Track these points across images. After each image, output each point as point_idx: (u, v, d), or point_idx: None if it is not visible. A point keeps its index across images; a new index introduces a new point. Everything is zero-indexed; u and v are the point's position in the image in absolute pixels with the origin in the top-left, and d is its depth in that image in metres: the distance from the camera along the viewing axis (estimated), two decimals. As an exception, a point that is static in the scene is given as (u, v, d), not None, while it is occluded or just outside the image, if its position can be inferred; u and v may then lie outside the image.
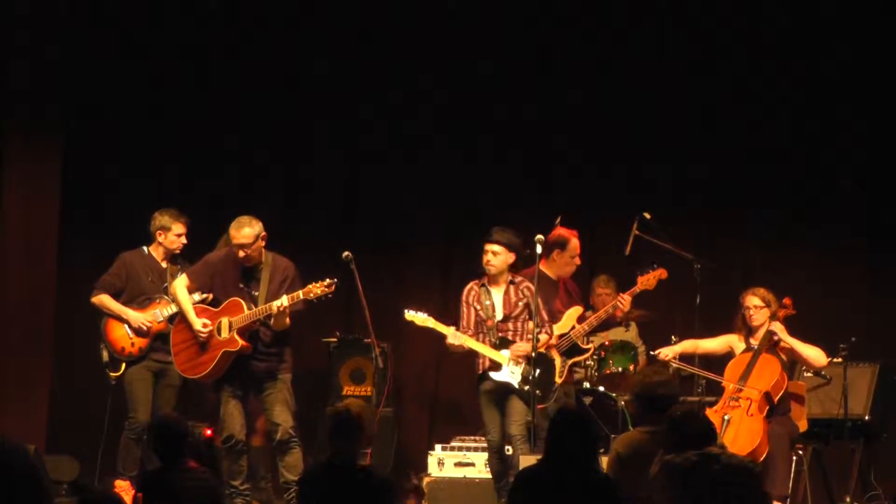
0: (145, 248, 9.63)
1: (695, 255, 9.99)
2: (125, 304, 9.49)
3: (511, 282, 9.07)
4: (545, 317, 9.16)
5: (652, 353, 9.52)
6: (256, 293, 8.97)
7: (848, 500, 9.57)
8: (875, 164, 11.14)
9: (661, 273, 9.83)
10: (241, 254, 8.93)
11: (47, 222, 10.57)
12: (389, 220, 11.42)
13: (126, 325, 9.43)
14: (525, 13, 11.35)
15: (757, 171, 11.24)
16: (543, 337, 9.06)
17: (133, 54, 11.14)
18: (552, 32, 11.33)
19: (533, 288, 9.11)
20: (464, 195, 11.40)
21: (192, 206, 9.96)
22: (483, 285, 9.15)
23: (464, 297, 9.19)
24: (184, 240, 9.59)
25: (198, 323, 8.98)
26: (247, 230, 8.91)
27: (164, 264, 9.60)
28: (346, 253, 8.94)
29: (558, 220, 9.89)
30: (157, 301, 9.50)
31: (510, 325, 9.05)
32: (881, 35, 10.99)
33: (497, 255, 9.05)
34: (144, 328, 9.41)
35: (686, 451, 5.56)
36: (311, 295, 8.79)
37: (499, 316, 9.05)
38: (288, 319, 8.92)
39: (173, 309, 9.40)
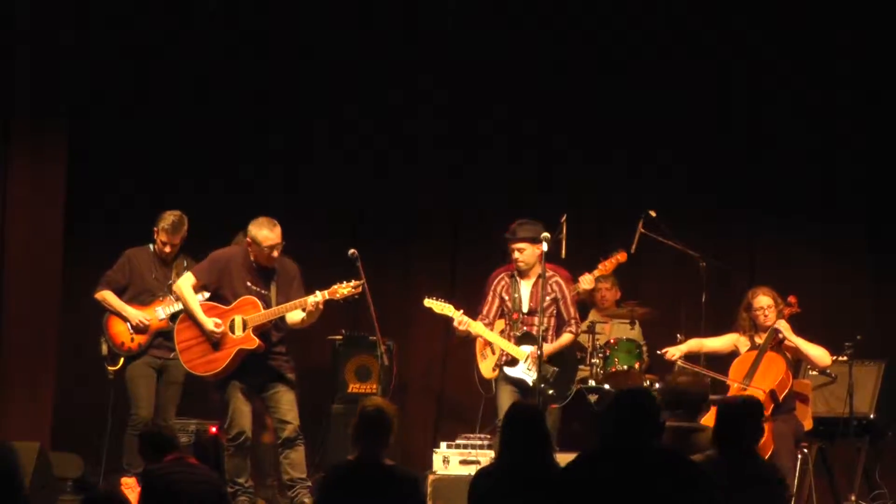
0: (151, 246, 9.59)
1: (699, 253, 10.01)
2: (129, 300, 9.47)
3: (541, 275, 9.03)
4: (569, 315, 9.14)
5: (659, 352, 9.51)
6: (265, 292, 8.87)
7: (853, 498, 9.60)
8: (876, 164, 11.17)
9: (620, 256, 9.87)
10: (275, 254, 8.79)
11: (52, 221, 10.51)
12: (394, 219, 11.41)
13: (127, 322, 9.42)
14: (525, 13, 11.35)
15: (757, 171, 11.27)
16: (568, 336, 9.06)
17: (135, 53, 11.11)
18: (552, 31, 11.34)
19: (563, 283, 9.13)
20: (466, 194, 11.42)
21: (193, 205, 9.92)
22: (513, 276, 9.14)
23: (493, 285, 9.18)
24: (168, 248, 9.51)
25: (209, 323, 8.79)
26: (279, 230, 8.78)
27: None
28: (351, 251, 8.89)
29: (563, 218, 9.90)
30: (161, 298, 9.47)
31: (535, 320, 9.01)
32: (882, 34, 11.04)
33: (524, 252, 9.08)
34: (143, 325, 9.38)
35: None
36: (338, 295, 8.72)
37: (524, 309, 9.03)
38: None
39: (176, 307, 9.36)
